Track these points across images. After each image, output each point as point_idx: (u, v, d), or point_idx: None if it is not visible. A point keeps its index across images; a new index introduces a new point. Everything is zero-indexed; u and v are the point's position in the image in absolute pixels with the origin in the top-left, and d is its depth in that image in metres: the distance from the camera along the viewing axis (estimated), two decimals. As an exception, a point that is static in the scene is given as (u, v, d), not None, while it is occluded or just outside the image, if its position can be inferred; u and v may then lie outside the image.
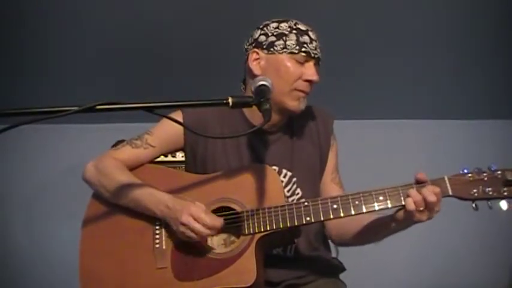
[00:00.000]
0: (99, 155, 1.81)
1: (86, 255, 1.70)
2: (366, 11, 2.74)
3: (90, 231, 1.73)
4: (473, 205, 1.52)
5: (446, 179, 1.53)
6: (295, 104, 1.74)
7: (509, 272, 3.29)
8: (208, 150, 1.79)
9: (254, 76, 1.73)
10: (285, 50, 1.71)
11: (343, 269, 1.86)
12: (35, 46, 2.83)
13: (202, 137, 1.74)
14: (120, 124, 2.71)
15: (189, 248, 1.64)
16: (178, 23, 2.76)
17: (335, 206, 1.58)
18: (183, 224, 1.57)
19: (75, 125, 3.15)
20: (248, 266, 1.56)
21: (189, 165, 1.85)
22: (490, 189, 1.51)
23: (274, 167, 1.76)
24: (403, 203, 1.52)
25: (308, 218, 1.59)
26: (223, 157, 1.77)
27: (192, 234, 1.58)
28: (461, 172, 1.54)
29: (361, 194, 1.57)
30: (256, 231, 1.60)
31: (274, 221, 1.60)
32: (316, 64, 1.75)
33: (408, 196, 1.51)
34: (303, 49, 1.71)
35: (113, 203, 1.73)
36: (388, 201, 1.55)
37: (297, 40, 1.71)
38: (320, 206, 1.59)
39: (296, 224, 1.59)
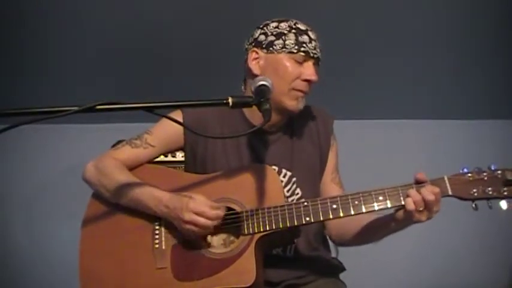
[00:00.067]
0: (99, 155, 1.81)
1: (86, 255, 1.70)
2: (366, 11, 2.74)
3: (90, 231, 1.73)
4: (473, 205, 1.52)
5: (446, 178, 1.54)
6: (293, 103, 1.74)
7: (509, 272, 3.28)
8: (208, 150, 1.79)
9: (254, 76, 1.73)
10: (283, 49, 1.71)
11: (343, 269, 1.86)
12: (35, 46, 2.83)
13: (202, 137, 1.74)
14: (120, 124, 2.71)
15: (189, 248, 1.64)
16: (178, 23, 2.76)
17: (334, 206, 1.58)
18: (188, 223, 1.58)
19: (75, 125, 3.15)
20: (248, 266, 1.56)
21: (189, 165, 1.85)
22: (490, 189, 1.51)
23: (274, 167, 1.76)
24: (403, 203, 1.52)
25: (308, 218, 1.59)
26: (223, 157, 1.77)
27: (198, 229, 1.58)
28: (461, 172, 1.54)
29: (360, 194, 1.57)
30: (256, 231, 1.60)
31: (273, 221, 1.60)
32: (316, 64, 1.75)
33: (408, 196, 1.51)
34: (302, 49, 1.71)
35: (112, 203, 1.74)
36: (388, 201, 1.55)
37: (296, 40, 1.71)
38: (319, 206, 1.59)
39: (296, 224, 1.60)
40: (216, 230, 1.66)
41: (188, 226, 1.59)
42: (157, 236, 1.68)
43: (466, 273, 3.17)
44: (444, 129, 3.42)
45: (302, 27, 1.75)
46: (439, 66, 3.07)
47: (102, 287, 1.67)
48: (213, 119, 1.79)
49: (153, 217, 1.69)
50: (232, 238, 1.68)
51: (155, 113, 1.40)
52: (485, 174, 1.52)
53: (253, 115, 1.77)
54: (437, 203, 1.50)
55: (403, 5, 2.70)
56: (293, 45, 1.71)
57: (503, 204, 1.50)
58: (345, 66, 2.85)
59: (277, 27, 1.74)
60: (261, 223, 1.61)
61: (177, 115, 1.76)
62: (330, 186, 1.85)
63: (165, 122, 1.72)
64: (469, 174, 1.53)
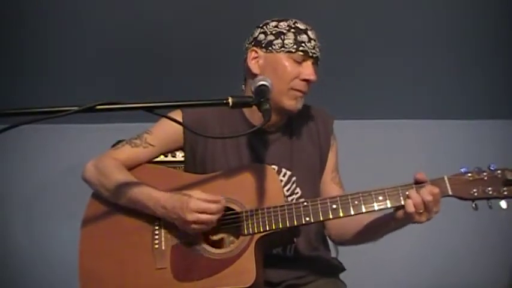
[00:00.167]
0: (99, 155, 1.81)
1: (86, 255, 1.70)
2: (366, 11, 2.74)
3: (90, 231, 1.73)
4: (473, 205, 1.53)
5: (446, 178, 1.54)
6: (292, 103, 1.73)
7: (509, 272, 3.29)
8: (208, 149, 1.79)
9: (253, 75, 1.73)
10: (282, 48, 1.71)
11: (343, 269, 1.86)
12: (35, 46, 2.83)
13: (202, 137, 1.74)
14: (120, 124, 2.71)
15: (189, 249, 1.64)
16: (178, 23, 2.76)
17: (334, 206, 1.58)
18: (192, 223, 1.58)
19: (75, 125, 3.14)
20: (247, 266, 1.56)
21: (188, 165, 1.85)
22: (489, 188, 1.51)
23: (273, 166, 1.76)
24: (403, 203, 1.52)
25: (307, 218, 1.59)
26: (223, 157, 1.78)
27: (203, 226, 1.59)
28: (460, 171, 1.54)
29: (360, 194, 1.57)
30: (256, 231, 1.61)
31: (273, 221, 1.60)
32: (315, 63, 1.75)
33: (408, 197, 1.51)
34: (301, 48, 1.70)
35: (112, 203, 1.73)
36: (388, 201, 1.55)
37: (295, 39, 1.71)
38: (319, 206, 1.59)
39: (295, 224, 1.60)
40: (216, 230, 1.66)
41: (193, 226, 1.59)
42: (157, 237, 1.68)
43: (466, 273, 3.17)
44: (444, 129, 3.42)
45: (301, 26, 1.74)
46: (439, 66, 3.07)
47: (102, 287, 1.67)
48: (213, 118, 1.79)
49: (152, 217, 1.68)
50: (232, 238, 1.68)
51: (155, 113, 1.40)
52: (485, 174, 1.52)
53: (253, 115, 1.77)
54: (437, 204, 1.50)
55: (403, 5, 2.70)
56: (292, 45, 1.71)
57: (503, 204, 1.50)
58: (345, 66, 2.85)
59: (276, 26, 1.74)
60: (260, 223, 1.61)
61: (177, 115, 1.76)
62: (329, 186, 1.85)
63: (164, 121, 1.72)
64: (469, 174, 1.53)
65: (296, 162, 1.80)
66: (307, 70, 1.72)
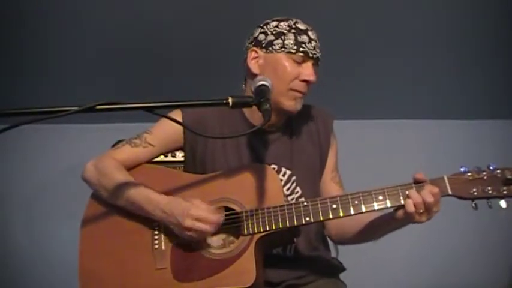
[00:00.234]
0: (99, 155, 1.81)
1: (85, 255, 1.70)
2: (366, 11, 2.74)
3: (89, 231, 1.73)
4: (473, 204, 1.53)
5: (445, 178, 1.54)
6: (291, 103, 1.74)
7: (509, 272, 3.29)
8: (207, 149, 1.79)
9: (253, 75, 1.73)
10: (283, 49, 1.71)
11: (342, 269, 1.86)
12: (35, 46, 2.83)
13: (202, 137, 1.74)
14: (120, 124, 2.71)
15: (189, 249, 1.64)
16: (178, 23, 2.76)
17: (334, 206, 1.58)
18: (189, 229, 1.57)
19: (75, 125, 3.15)
20: (247, 266, 1.56)
21: (188, 165, 1.85)
22: (489, 188, 1.51)
23: (273, 166, 1.76)
24: (402, 202, 1.52)
25: (307, 218, 1.59)
26: (223, 156, 1.78)
27: (199, 235, 1.58)
28: (460, 171, 1.54)
29: (360, 194, 1.57)
30: (256, 231, 1.61)
31: (273, 221, 1.60)
32: (315, 64, 1.74)
33: (408, 197, 1.51)
34: (301, 49, 1.70)
35: (111, 203, 1.73)
36: (388, 201, 1.55)
37: (295, 40, 1.71)
38: (319, 206, 1.59)
39: (295, 224, 1.60)
40: (216, 231, 1.66)
41: (189, 233, 1.59)
42: (156, 237, 1.68)
43: (465, 273, 3.17)
44: (444, 129, 3.43)
45: (302, 26, 1.74)
46: (439, 66, 3.07)
47: (102, 287, 1.67)
48: (212, 118, 1.79)
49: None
50: (232, 238, 1.68)
51: (155, 113, 1.40)
52: (484, 173, 1.52)
53: (253, 115, 1.77)
54: (437, 203, 1.50)
55: (403, 5, 2.70)
56: (292, 45, 1.70)
57: (503, 204, 1.50)
58: (345, 66, 2.85)
59: (277, 26, 1.74)
60: (260, 223, 1.61)
61: (177, 115, 1.76)
62: (329, 185, 1.85)
63: (164, 121, 1.72)
64: (469, 174, 1.53)
65: (296, 161, 1.80)
66: (307, 71, 1.72)
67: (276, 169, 1.76)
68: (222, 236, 1.68)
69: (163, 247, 1.66)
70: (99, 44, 2.85)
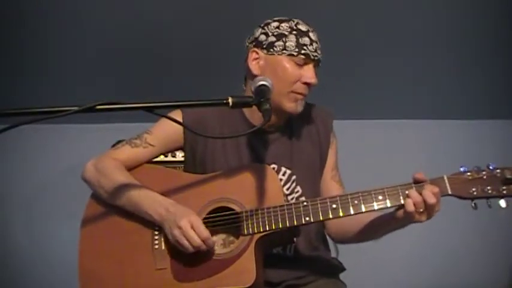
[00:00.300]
0: (98, 155, 1.81)
1: (85, 255, 1.70)
2: (366, 11, 2.74)
3: (89, 232, 1.73)
4: (473, 204, 1.53)
5: (445, 178, 1.54)
6: (292, 105, 1.73)
7: (509, 272, 3.29)
8: (207, 149, 1.79)
9: (253, 75, 1.73)
10: (284, 51, 1.70)
11: (342, 269, 1.86)
12: (35, 46, 2.83)
13: (202, 137, 1.74)
14: (120, 124, 2.71)
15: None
16: (178, 23, 2.76)
17: (334, 206, 1.58)
18: (180, 228, 1.56)
19: (75, 125, 3.15)
20: (247, 266, 1.56)
21: (188, 164, 1.85)
22: (489, 187, 1.51)
23: (273, 165, 1.76)
24: (402, 202, 1.52)
25: (307, 218, 1.59)
26: (222, 156, 1.77)
27: (184, 241, 1.56)
28: (459, 171, 1.54)
29: (360, 194, 1.57)
30: (256, 231, 1.60)
31: (273, 221, 1.60)
32: (316, 66, 1.74)
33: (408, 197, 1.51)
34: (303, 51, 1.70)
35: (111, 204, 1.73)
36: (387, 201, 1.55)
37: (297, 42, 1.70)
38: (319, 205, 1.59)
39: (295, 224, 1.60)
40: (216, 230, 1.66)
41: (177, 232, 1.56)
42: (156, 237, 1.67)
43: (465, 273, 3.17)
44: (444, 129, 3.42)
45: (303, 28, 1.73)
46: (439, 66, 3.07)
47: (102, 287, 1.67)
48: (212, 118, 1.79)
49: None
50: (231, 238, 1.68)
51: (155, 113, 1.40)
52: (484, 173, 1.52)
53: (253, 115, 1.77)
54: (438, 203, 1.50)
55: (403, 5, 2.70)
56: (294, 48, 1.70)
57: (503, 203, 1.50)
58: (345, 66, 2.85)
59: (278, 27, 1.73)
60: (260, 223, 1.61)
61: (177, 115, 1.76)
62: (329, 184, 1.86)
63: (164, 121, 1.72)
64: (468, 173, 1.53)
65: (296, 161, 1.80)
66: (309, 73, 1.71)
67: (275, 169, 1.76)
68: (222, 236, 1.68)
69: (163, 247, 1.66)
70: (99, 44, 2.85)
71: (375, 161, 3.27)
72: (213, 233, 1.65)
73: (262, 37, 1.75)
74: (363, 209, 1.56)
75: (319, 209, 1.59)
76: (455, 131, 3.41)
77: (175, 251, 1.63)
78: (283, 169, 1.78)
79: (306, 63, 1.72)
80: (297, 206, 1.61)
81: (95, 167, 1.76)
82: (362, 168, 2.97)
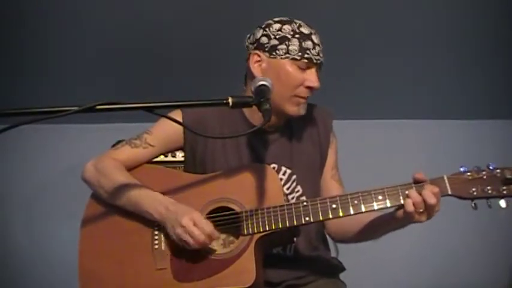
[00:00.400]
0: (98, 155, 1.81)
1: (85, 255, 1.70)
2: (366, 11, 2.74)
3: (89, 232, 1.73)
4: (473, 204, 1.53)
5: (445, 178, 1.54)
6: (295, 109, 1.73)
7: (509, 272, 3.29)
8: (207, 149, 1.79)
9: (254, 76, 1.73)
10: (287, 55, 1.69)
11: (342, 269, 1.86)
12: (35, 46, 2.83)
13: (202, 137, 1.73)
14: (120, 124, 2.71)
15: (189, 249, 1.64)
16: (178, 23, 2.76)
17: (334, 206, 1.58)
18: (182, 226, 1.56)
19: (75, 125, 3.15)
20: (247, 266, 1.56)
21: (188, 164, 1.85)
22: (489, 187, 1.51)
23: (273, 165, 1.76)
24: (402, 202, 1.52)
25: (307, 218, 1.59)
26: (222, 156, 1.77)
27: (188, 238, 1.56)
28: (459, 171, 1.54)
29: (360, 194, 1.57)
30: (255, 231, 1.60)
31: (273, 221, 1.60)
32: (318, 69, 1.74)
33: (408, 197, 1.51)
34: (306, 56, 1.69)
35: (111, 204, 1.73)
36: (387, 201, 1.55)
37: (300, 46, 1.68)
38: (319, 205, 1.59)
39: (295, 224, 1.60)
40: (216, 231, 1.66)
41: (180, 230, 1.56)
42: (156, 237, 1.68)
43: (465, 273, 3.17)
44: (444, 129, 3.42)
45: (306, 30, 1.71)
46: (439, 66, 3.07)
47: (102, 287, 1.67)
48: (212, 118, 1.79)
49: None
50: (231, 238, 1.68)
51: (155, 113, 1.40)
52: (484, 173, 1.52)
53: (253, 115, 1.77)
54: (438, 203, 1.50)
55: (403, 5, 2.70)
56: (297, 52, 1.68)
57: (503, 203, 1.50)
58: (345, 66, 2.84)
59: (280, 30, 1.71)
60: (260, 223, 1.61)
61: (177, 115, 1.75)
62: (329, 183, 1.86)
63: (164, 121, 1.71)
64: (468, 173, 1.53)
65: (296, 160, 1.80)
66: (312, 77, 1.70)
67: (276, 168, 1.76)
68: (222, 236, 1.69)
69: (163, 247, 1.66)
70: (99, 44, 2.85)
71: (375, 161, 3.27)
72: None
73: (264, 39, 1.73)
74: (363, 209, 1.56)
75: (319, 209, 1.59)
76: (455, 131, 3.41)
77: (175, 250, 1.63)
78: (284, 169, 1.78)
79: (308, 67, 1.71)
80: (297, 206, 1.61)
81: (94, 167, 1.76)
82: (362, 168, 2.97)
